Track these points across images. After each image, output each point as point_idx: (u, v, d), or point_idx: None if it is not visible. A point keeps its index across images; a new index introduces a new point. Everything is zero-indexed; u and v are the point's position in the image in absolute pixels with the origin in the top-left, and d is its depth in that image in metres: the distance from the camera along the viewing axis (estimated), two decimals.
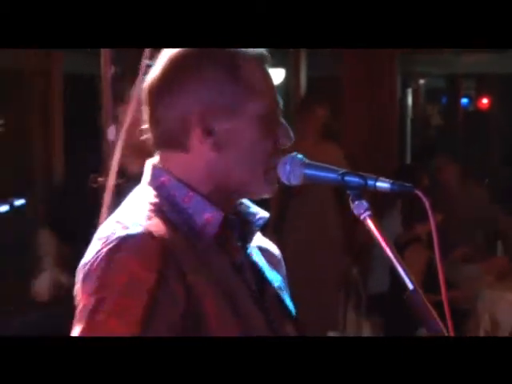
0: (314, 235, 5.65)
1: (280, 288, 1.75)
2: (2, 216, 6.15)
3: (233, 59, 1.61)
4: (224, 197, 1.66)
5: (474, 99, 9.66)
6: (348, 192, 1.54)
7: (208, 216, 1.60)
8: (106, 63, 2.84)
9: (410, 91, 8.33)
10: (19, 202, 6.27)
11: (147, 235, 1.48)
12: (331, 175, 1.58)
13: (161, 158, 1.66)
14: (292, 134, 1.65)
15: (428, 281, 1.59)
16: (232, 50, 1.64)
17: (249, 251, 1.73)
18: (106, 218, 1.74)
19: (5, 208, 6.23)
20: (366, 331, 5.32)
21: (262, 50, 1.68)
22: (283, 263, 1.86)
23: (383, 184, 1.50)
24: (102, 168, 2.90)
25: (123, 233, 1.48)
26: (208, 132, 1.58)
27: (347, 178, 1.53)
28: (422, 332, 1.75)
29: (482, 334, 3.96)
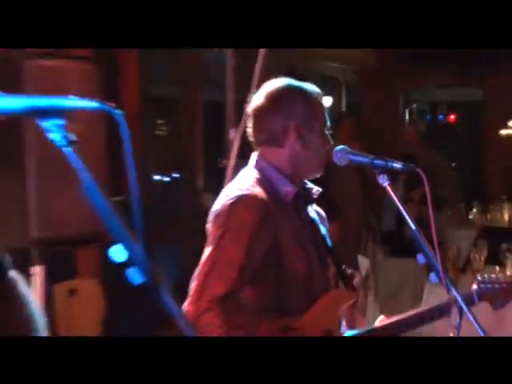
0: (346, 197, 5.70)
1: (325, 233, 1.83)
2: (166, 184, 6.23)
3: (307, 96, 1.73)
4: (297, 178, 1.74)
5: (445, 116, 10.06)
6: (375, 170, 1.60)
7: (288, 189, 1.70)
8: (230, 91, 2.84)
9: (407, 111, 8.58)
10: (176, 175, 6.28)
11: (253, 196, 1.61)
12: (366, 159, 1.65)
13: (261, 152, 1.74)
14: (331, 141, 1.77)
15: (418, 224, 1.60)
16: (306, 89, 1.75)
17: (308, 211, 1.81)
18: (228, 183, 1.89)
19: (167, 179, 6.36)
20: (379, 254, 5.28)
21: (319, 90, 1.78)
22: (326, 222, 1.91)
23: (397, 165, 1.59)
24: (225, 154, 2.94)
25: (239, 193, 1.61)
26: (300, 136, 1.68)
27: (375, 161, 1.59)
28: (419, 257, 1.68)
29: (450, 256, 3.82)
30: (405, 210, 1.59)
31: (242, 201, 1.59)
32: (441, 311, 1.71)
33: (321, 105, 1.77)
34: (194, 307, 1.47)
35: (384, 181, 1.57)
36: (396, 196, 1.58)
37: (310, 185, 1.80)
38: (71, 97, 0.86)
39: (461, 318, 1.47)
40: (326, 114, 1.79)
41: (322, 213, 1.91)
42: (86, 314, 2.93)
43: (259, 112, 1.72)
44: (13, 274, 0.92)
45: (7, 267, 0.92)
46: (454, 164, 7.33)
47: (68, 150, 0.79)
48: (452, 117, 9.79)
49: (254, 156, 1.76)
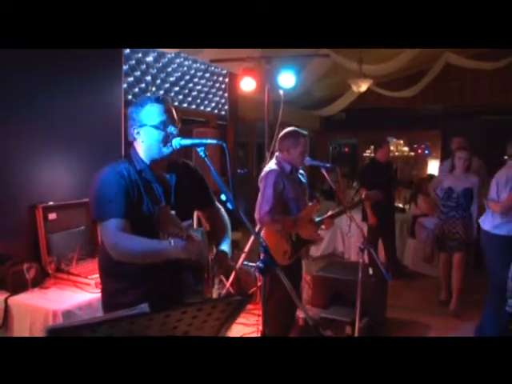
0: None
1: (304, 181, 3.49)
2: (240, 173, 9.17)
3: (298, 134, 3.34)
4: (291, 164, 3.34)
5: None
6: (320, 166, 3.19)
7: (288, 168, 3.33)
8: (267, 138, 4.54)
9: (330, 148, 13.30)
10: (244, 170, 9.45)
11: (275, 170, 3.25)
12: (316, 162, 3.29)
13: (279, 152, 3.35)
14: (306, 154, 3.37)
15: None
16: (298, 131, 3.39)
17: (298, 175, 3.42)
18: (264, 166, 3.56)
19: (241, 171, 9.31)
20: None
21: (306, 132, 3.38)
22: (305, 176, 3.53)
23: (327, 164, 3.29)
24: (264, 157, 4.51)
25: (269, 169, 3.27)
26: (289, 150, 3.34)
27: (320, 163, 3.26)
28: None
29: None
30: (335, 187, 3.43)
31: (271, 172, 3.19)
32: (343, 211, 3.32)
33: (304, 138, 3.31)
34: (259, 216, 3.09)
35: (323, 170, 3.15)
36: (329, 177, 3.15)
37: (299, 167, 3.40)
38: (208, 140, 2.01)
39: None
40: (306, 143, 3.34)
41: (304, 173, 3.44)
42: None
43: (280, 139, 3.34)
44: None
45: None
46: None
47: (206, 158, 1.92)
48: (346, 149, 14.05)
49: (275, 154, 3.35)
